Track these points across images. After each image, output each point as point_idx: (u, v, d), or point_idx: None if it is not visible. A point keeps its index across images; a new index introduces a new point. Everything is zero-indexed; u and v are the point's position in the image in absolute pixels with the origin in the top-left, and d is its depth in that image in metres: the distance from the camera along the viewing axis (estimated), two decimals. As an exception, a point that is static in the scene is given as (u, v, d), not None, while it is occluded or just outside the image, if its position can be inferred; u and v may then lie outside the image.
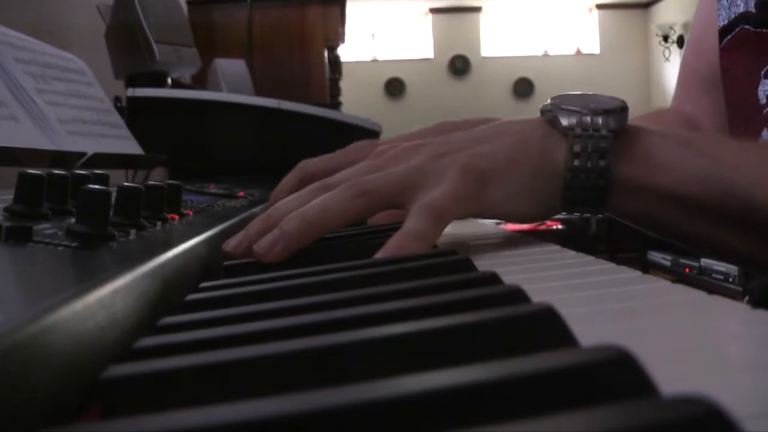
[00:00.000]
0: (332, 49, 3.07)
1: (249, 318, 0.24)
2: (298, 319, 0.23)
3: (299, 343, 0.19)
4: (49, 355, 0.17)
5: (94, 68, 0.87)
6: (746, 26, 0.63)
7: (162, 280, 0.28)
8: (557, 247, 0.44)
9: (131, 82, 1.23)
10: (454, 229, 0.47)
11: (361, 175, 0.45)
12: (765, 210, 0.42)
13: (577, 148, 0.43)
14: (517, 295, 0.24)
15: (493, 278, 0.28)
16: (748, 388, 0.17)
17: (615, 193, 0.44)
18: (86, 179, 0.40)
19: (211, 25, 2.82)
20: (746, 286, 0.69)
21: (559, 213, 0.46)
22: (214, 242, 0.41)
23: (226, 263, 0.40)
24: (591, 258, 0.38)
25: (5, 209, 0.34)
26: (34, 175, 0.35)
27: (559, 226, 4.36)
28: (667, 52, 6.41)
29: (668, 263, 3.98)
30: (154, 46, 1.21)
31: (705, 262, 3.60)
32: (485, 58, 6.91)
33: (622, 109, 0.45)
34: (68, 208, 0.37)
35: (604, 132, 0.43)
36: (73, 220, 0.32)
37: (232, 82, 1.84)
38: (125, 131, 0.86)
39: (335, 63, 3.17)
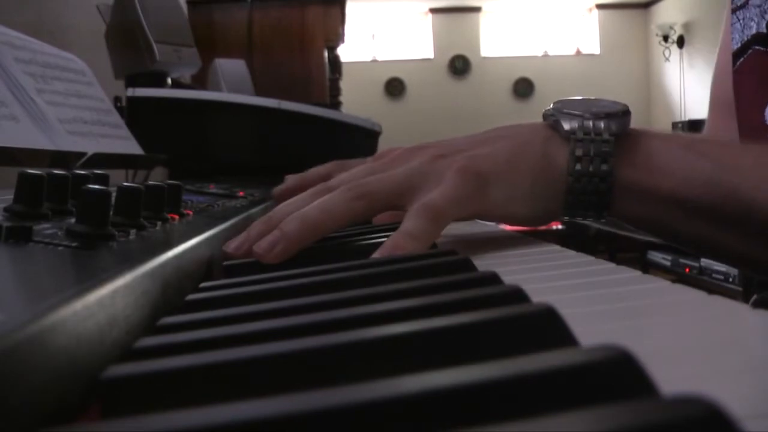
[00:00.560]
0: (332, 49, 3.07)
1: (249, 318, 0.24)
2: (298, 319, 0.23)
3: (299, 343, 0.19)
4: (49, 355, 0.17)
5: (94, 68, 0.87)
6: (758, 47, 0.63)
7: (162, 280, 0.28)
8: (557, 247, 0.44)
9: (131, 82, 1.23)
10: (454, 229, 0.47)
11: (360, 177, 0.45)
12: (766, 213, 0.42)
13: (579, 152, 0.44)
14: (517, 295, 0.24)
15: (493, 278, 0.28)
16: (748, 388, 0.17)
17: (617, 196, 0.44)
18: (86, 179, 0.40)
19: (211, 25, 2.82)
20: (752, 291, 0.69)
21: (560, 217, 0.46)
22: (215, 242, 0.41)
23: (226, 263, 0.40)
24: (591, 258, 0.38)
25: (5, 209, 0.34)
26: (34, 175, 0.35)
27: (559, 226, 4.37)
28: (667, 52, 6.40)
29: (668, 263, 3.98)
30: (154, 46, 1.21)
31: (705, 262, 3.60)
32: (485, 58, 6.91)
33: (624, 113, 0.45)
34: (68, 208, 0.37)
35: (606, 136, 0.44)
36: (73, 220, 0.32)
37: (232, 82, 1.84)
38: (125, 131, 0.86)
39: (335, 63, 3.17)
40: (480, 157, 0.44)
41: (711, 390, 0.13)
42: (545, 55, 6.99)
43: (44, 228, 0.32)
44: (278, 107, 1.21)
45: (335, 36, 3.03)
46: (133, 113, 1.09)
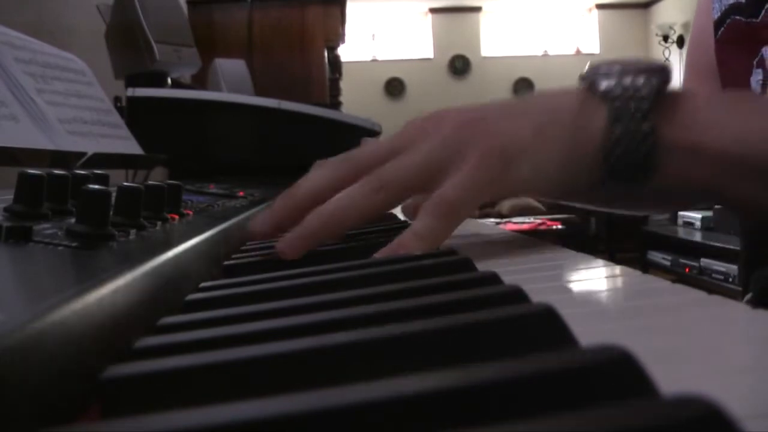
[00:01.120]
0: (332, 49, 3.07)
1: (249, 318, 0.24)
2: (298, 319, 0.23)
3: (299, 343, 0.19)
4: (49, 355, 0.17)
5: (94, 68, 0.87)
6: (737, 17, 0.63)
7: (162, 280, 0.28)
8: (557, 247, 0.44)
9: (131, 82, 1.23)
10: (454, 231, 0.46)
11: (381, 160, 0.43)
12: None
13: (617, 111, 0.40)
14: (517, 295, 0.24)
15: (493, 278, 0.28)
16: (748, 388, 0.17)
17: (661, 160, 0.40)
18: (86, 179, 0.40)
19: (211, 25, 2.82)
20: (748, 278, 0.68)
21: (597, 188, 0.42)
22: (215, 242, 0.41)
23: (225, 263, 0.40)
24: (591, 258, 0.38)
25: (5, 209, 0.34)
26: (34, 175, 0.35)
27: (559, 226, 4.36)
28: (667, 52, 6.40)
29: (668, 263, 3.98)
30: (154, 46, 1.21)
31: (705, 262, 3.60)
32: (485, 58, 6.91)
33: (663, 69, 0.41)
34: (68, 208, 0.37)
35: (645, 92, 0.40)
36: (73, 220, 0.32)
37: (232, 82, 1.84)
38: (125, 131, 0.86)
39: (335, 63, 3.17)
40: (505, 131, 0.41)
41: (711, 390, 0.13)
42: (545, 55, 6.99)
43: (44, 228, 0.32)
44: (278, 107, 1.21)
45: (335, 36, 3.03)
46: (133, 113, 1.09)
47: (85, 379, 0.18)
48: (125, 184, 0.37)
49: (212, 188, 0.77)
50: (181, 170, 1.04)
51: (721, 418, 0.12)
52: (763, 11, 0.60)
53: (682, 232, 3.99)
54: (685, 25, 6.09)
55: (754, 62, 0.61)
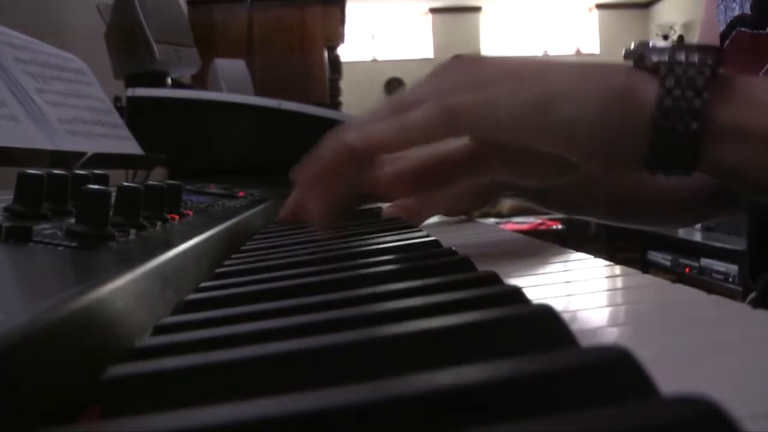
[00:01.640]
0: (332, 49, 3.07)
1: (249, 318, 0.24)
2: (298, 319, 0.23)
3: (299, 343, 0.19)
4: (49, 355, 0.17)
5: (94, 68, 0.87)
6: (743, 29, 0.63)
7: (162, 280, 0.28)
8: (557, 247, 0.44)
9: (131, 82, 1.23)
10: (455, 230, 0.46)
11: (449, 91, 0.39)
12: None
13: (670, 83, 0.37)
14: (517, 295, 0.24)
15: (493, 278, 0.28)
16: (748, 388, 0.17)
17: (711, 141, 0.38)
18: (86, 179, 0.40)
19: (211, 25, 2.82)
20: (753, 279, 0.68)
21: (637, 168, 0.39)
22: (215, 242, 0.41)
23: (217, 270, 0.39)
24: (590, 258, 0.38)
25: (5, 209, 0.34)
26: (34, 175, 0.35)
27: (559, 226, 4.36)
28: (667, 52, 6.40)
29: (668, 263, 3.98)
30: (154, 46, 1.21)
31: (705, 261, 3.60)
32: (485, 58, 6.90)
33: (717, 48, 0.39)
34: (68, 208, 0.37)
35: (700, 68, 0.38)
36: (73, 220, 0.32)
37: (232, 82, 1.84)
38: (125, 131, 0.86)
39: (335, 63, 3.17)
40: (545, 77, 0.39)
41: (711, 390, 0.13)
42: (545, 55, 6.99)
43: (44, 228, 0.32)
44: (278, 107, 1.21)
45: (335, 36, 3.03)
46: (133, 113, 1.09)
47: (85, 379, 0.18)
48: (125, 184, 0.37)
49: (212, 188, 0.77)
50: (181, 170, 1.04)
51: (721, 418, 0.12)
52: None
53: (682, 232, 3.99)
54: (685, 25, 6.09)
55: (761, 74, 0.61)
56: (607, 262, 0.36)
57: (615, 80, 0.38)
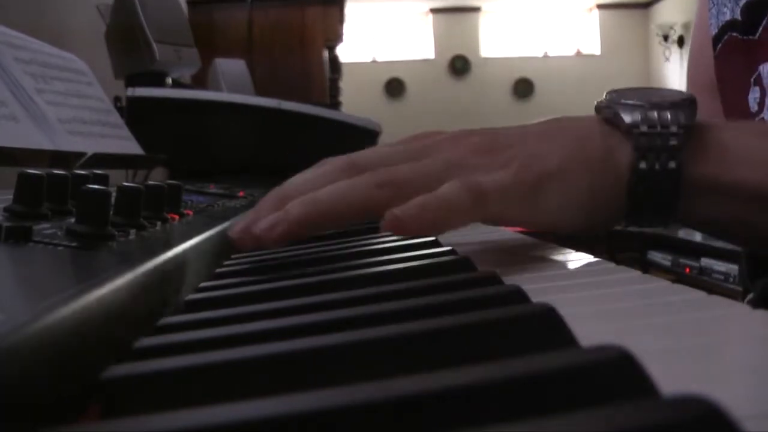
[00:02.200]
0: (332, 49, 3.07)
1: (249, 318, 0.24)
2: (298, 319, 0.23)
3: (299, 343, 0.19)
4: (49, 355, 0.17)
5: (94, 68, 0.87)
6: (734, 33, 0.62)
7: (162, 280, 0.28)
8: (557, 247, 0.44)
9: (131, 82, 1.23)
10: (455, 231, 0.46)
11: (391, 161, 0.39)
12: None
13: (642, 149, 0.38)
14: (517, 295, 0.24)
15: (493, 278, 0.28)
16: (748, 388, 0.17)
17: (688, 198, 0.38)
18: (86, 179, 0.40)
19: (211, 25, 2.82)
20: (752, 281, 0.68)
21: (619, 224, 0.41)
22: (215, 242, 0.41)
23: (217, 270, 0.39)
24: (591, 258, 0.38)
25: (5, 209, 0.34)
26: (34, 175, 0.35)
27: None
28: (667, 52, 6.41)
29: (668, 263, 3.97)
30: (154, 46, 1.21)
31: (705, 261, 3.60)
32: (485, 58, 6.91)
33: (690, 101, 0.39)
34: (68, 208, 0.37)
35: (674, 129, 0.38)
36: (73, 220, 0.32)
37: (232, 82, 1.84)
38: (125, 131, 0.86)
39: (335, 63, 3.17)
40: (534, 158, 0.38)
41: (711, 390, 0.13)
42: (545, 56, 6.99)
43: (44, 228, 0.32)
44: (278, 107, 1.21)
45: (335, 36, 3.03)
46: (133, 113, 1.09)
47: (85, 379, 0.18)
48: (125, 184, 0.37)
49: (212, 188, 0.77)
50: (181, 170, 1.04)
51: (721, 418, 0.12)
52: (761, 28, 0.59)
53: (682, 232, 3.98)
54: (686, 25, 6.09)
55: (752, 80, 0.61)
56: (607, 262, 0.36)
57: (592, 151, 0.39)
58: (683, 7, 6.07)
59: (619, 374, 0.15)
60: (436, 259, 0.35)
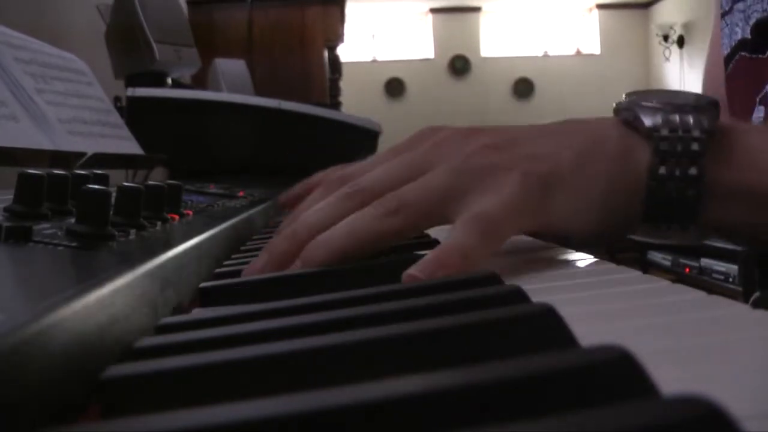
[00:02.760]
0: (332, 49, 3.07)
1: (249, 318, 0.24)
2: (298, 319, 0.23)
3: (299, 343, 0.19)
4: (49, 356, 0.17)
5: (94, 68, 0.87)
6: (744, 53, 0.62)
7: (162, 280, 0.28)
8: (557, 247, 0.44)
9: (131, 82, 1.23)
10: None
11: (394, 179, 0.38)
12: None
13: (663, 153, 0.36)
14: (517, 295, 0.24)
15: (493, 278, 0.28)
16: (748, 388, 0.17)
17: (709, 203, 0.37)
18: (86, 179, 0.40)
19: (211, 25, 2.82)
20: (753, 290, 0.68)
21: (632, 232, 0.39)
22: (215, 242, 0.41)
23: (217, 270, 0.39)
24: (591, 258, 0.38)
25: (5, 209, 0.34)
26: (34, 175, 0.35)
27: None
28: (667, 52, 6.41)
29: (668, 263, 3.97)
30: (154, 46, 1.21)
31: (705, 262, 3.60)
32: (485, 58, 6.91)
33: (714, 104, 0.38)
34: (68, 208, 0.37)
35: (696, 133, 0.36)
36: (73, 220, 0.32)
37: (232, 82, 1.84)
38: (125, 131, 0.86)
39: (335, 63, 3.17)
40: (543, 157, 0.37)
41: (711, 390, 0.13)
42: (545, 55, 6.99)
43: (44, 228, 0.32)
44: (278, 107, 1.21)
45: (335, 36, 3.03)
46: (133, 113, 1.09)
47: (85, 379, 0.18)
48: (125, 184, 0.37)
49: (212, 188, 0.77)
50: (181, 170, 1.04)
51: (721, 418, 0.12)
52: None
53: (682, 232, 3.98)
54: (686, 26, 6.10)
55: (758, 99, 0.60)
56: (607, 262, 0.36)
57: (610, 152, 0.38)
58: (683, 7, 6.08)
59: (619, 374, 0.15)
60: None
